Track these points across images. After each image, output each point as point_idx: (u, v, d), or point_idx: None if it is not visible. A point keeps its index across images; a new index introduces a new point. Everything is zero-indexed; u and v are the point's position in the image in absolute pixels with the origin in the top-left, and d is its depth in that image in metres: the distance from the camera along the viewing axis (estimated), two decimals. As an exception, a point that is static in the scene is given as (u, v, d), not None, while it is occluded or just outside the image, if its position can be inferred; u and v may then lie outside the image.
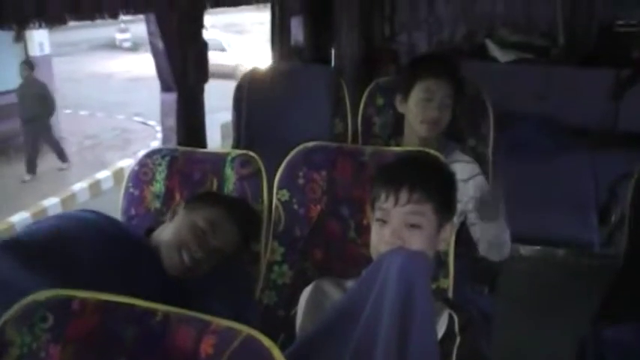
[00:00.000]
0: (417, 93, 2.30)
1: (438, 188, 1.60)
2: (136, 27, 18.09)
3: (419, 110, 2.29)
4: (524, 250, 3.22)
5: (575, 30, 5.02)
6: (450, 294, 1.78)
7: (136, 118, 12.35)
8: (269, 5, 3.46)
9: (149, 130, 11.31)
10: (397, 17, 5.06)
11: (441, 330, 1.52)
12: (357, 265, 1.69)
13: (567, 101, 4.61)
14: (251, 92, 2.99)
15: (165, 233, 1.85)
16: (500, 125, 2.72)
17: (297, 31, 3.64)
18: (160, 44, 2.39)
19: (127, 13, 2.09)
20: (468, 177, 2.23)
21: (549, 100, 4.64)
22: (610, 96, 4.53)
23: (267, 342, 1.08)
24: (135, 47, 20.71)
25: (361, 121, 2.63)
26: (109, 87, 16.15)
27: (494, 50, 4.99)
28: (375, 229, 1.61)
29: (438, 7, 5.08)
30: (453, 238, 1.80)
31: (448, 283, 1.79)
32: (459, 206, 1.93)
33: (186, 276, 1.80)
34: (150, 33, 2.39)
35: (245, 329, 1.09)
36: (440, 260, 1.79)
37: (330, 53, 4.00)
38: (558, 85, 4.68)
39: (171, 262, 1.79)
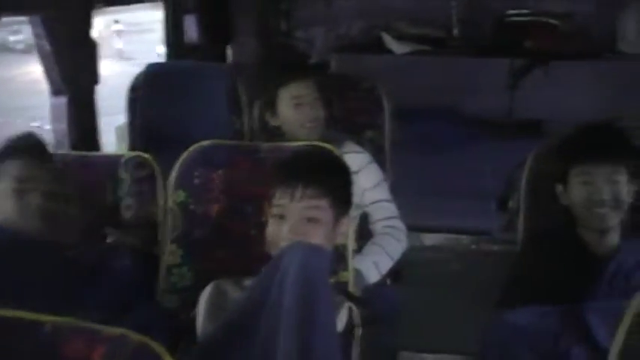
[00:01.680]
0: (284, 101, 2.32)
1: (332, 182, 1.62)
2: (29, 28, 17.43)
3: (294, 116, 2.32)
4: (429, 239, 3.29)
5: (469, 21, 5.16)
6: (351, 287, 1.80)
7: (33, 124, 11.97)
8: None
9: (48, 135, 10.99)
10: (294, 13, 5.08)
11: (341, 323, 1.54)
12: (260, 263, 1.69)
13: (464, 92, 4.73)
14: (146, 93, 2.95)
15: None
16: (399, 117, 2.78)
17: (192, 29, 3.61)
18: (47, 46, 2.33)
19: (9, 14, 2.03)
20: (358, 168, 2.27)
21: (447, 91, 4.75)
22: (505, 85, 4.68)
23: (159, 349, 1.06)
24: (29, 49, 20.03)
25: (258, 118, 2.64)
26: (7, 91, 15.55)
27: (391, 43, 5.05)
28: (272, 224, 1.62)
29: (335, 1, 5.12)
30: (352, 231, 1.83)
31: (348, 276, 1.82)
32: (355, 199, 1.96)
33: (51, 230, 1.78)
34: (36, 35, 2.33)
35: (137, 337, 1.08)
36: (339, 254, 1.82)
37: (226, 51, 3.99)
38: (455, 76, 4.79)
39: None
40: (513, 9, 5.16)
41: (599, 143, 1.92)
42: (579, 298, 1.75)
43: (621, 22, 5.29)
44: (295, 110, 2.30)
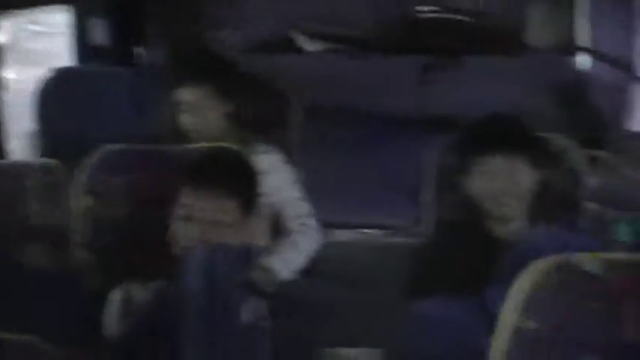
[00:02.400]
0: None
1: (238, 183, 1.65)
2: None
3: (180, 122, 2.34)
4: (344, 235, 3.33)
5: (382, 19, 5.23)
6: (262, 286, 1.82)
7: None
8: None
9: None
10: (205, 14, 5.03)
11: (250, 319, 1.56)
12: (169, 265, 1.70)
13: (378, 90, 4.79)
14: (51, 97, 2.90)
15: None
16: (312, 116, 2.81)
17: (100, 32, 3.55)
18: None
19: None
20: (269, 168, 2.29)
21: (360, 89, 4.80)
22: (419, 82, 4.75)
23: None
24: None
25: (167, 121, 2.63)
26: None
27: (303, 42, 5.08)
28: (179, 226, 1.63)
29: (247, 1, 5.10)
30: (263, 230, 1.85)
31: (260, 274, 1.84)
32: (266, 199, 1.99)
33: None
34: None
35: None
36: (251, 253, 1.83)
37: (134, 54, 3.94)
38: (368, 74, 4.85)
39: None
40: (424, 7, 5.27)
41: (497, 134, 1.98)
42: (485, 286, 1.80)
43: (530, 17, 5.48)
44: (181, 116, 2.32)
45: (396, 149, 4.13)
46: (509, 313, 1.12)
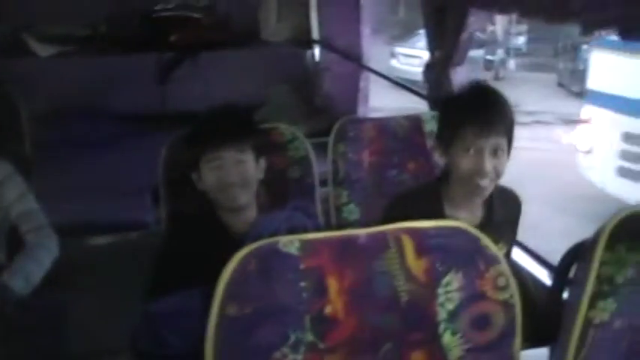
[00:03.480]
0: None
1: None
2: None
3: None
4: (86, 240, 3.27)
5: (116, 18, 5.16)
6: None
7: None
8: None
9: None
10: None
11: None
12: None
13: (115, 89, 4.73)
14: None
15: None
16: (45, 120, 2.73)
17: None
18: None
19: None
20: (1, 180, 2.24)
21: (96, 89, 4.71)
22: (156, 80, 4.75)
23: None
24: None
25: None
26: None
27: (34, 45, 4.88)
28: None
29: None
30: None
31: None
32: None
33: None
34: None
35: None
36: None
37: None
38: (104, 74, 4.76)
39: None
40: (158, 4, 5.29)
41: (223, 127, 2.04)
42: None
43: (262, 12, 5.69)
44: None
45: (138, 148, 4.09)
46: (216, 301, 1.20)
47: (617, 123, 6.70)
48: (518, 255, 2.51)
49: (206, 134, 2.05)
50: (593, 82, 7.26)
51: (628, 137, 6.56)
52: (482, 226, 2.02)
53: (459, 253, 1.30)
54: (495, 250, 1.33)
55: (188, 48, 5.00)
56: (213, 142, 2.02)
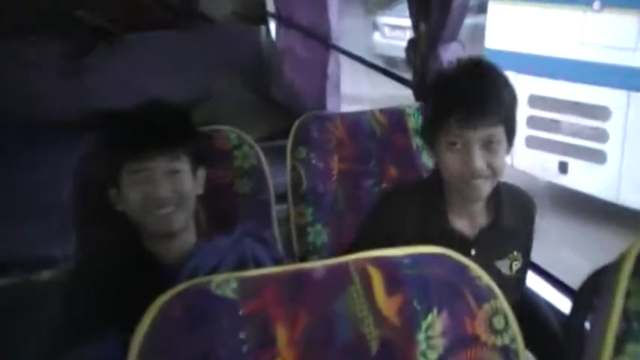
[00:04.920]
0: None
1: None
2: None
3: None
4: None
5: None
6: None
7: None
8: None
9: None
10: None
11: None
12: None
13: (17, 85, 4.66)
14: None
15: None
16: None
17: None
18: None
19: None
20: None
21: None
22: (62, 72, 4.68)
23: None
24: None
25: None
26: None
27: None
28: None
29: None
30: None
31: None
32: None
33: None
34: None
35: None
36: None
37: None
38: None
39: None
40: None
41: (147, 129, 1.97)
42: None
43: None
44: None
45: (45, 160, 4.04)
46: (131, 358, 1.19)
47: (521, 86, 6.74)
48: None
49: (128, 138, 1.98)
50: (491, 40, 7.28)
51: (534, 101, 6.66)
52: (487, 235, 2.09)
53: (443, 287, 1.29)
54: (489, 281, 1.33)
55: (102, 29, 4.94)
56: (138, 148, 1.95)
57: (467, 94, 1.93)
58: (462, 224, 2.09)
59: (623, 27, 6.18)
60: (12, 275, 3.31)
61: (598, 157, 6.38)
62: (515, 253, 2.14)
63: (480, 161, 1.92)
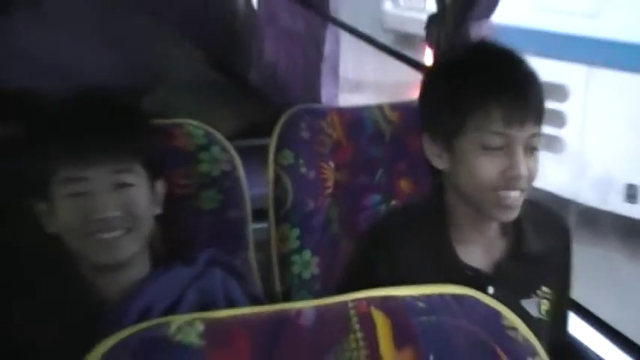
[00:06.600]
0: None
1: None
2: None
3: None
4: None
5: None
6: None
7: None
8: None
9: None
10: None
11: None
12: None
13: None
14: None
15: None
16: None
17: None
18: None
19: None
20: None
21: None
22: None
23: None
24: None
25: None
26: None
27: None
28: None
29: None
30: None
31: None
32: None
33: None
34: None
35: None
36: None
37: None
38: None
39: None
40: None
41: (85, 126, 1.94)
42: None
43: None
44: None
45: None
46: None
47: None
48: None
49: (60, 138, 1.95)
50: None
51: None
52: (507, 267, 2.08)
53: (468, 341, 1.30)
54: (527, 333, 1.33)
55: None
56: (73, 151, 1.92)
57: (511, 81, 1.94)
58: (474, 255, 2.07)
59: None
60: None
61: (554, 145, 6.47)
62: (544, 289, 2.13)
63: (524, 168, 1.91)
